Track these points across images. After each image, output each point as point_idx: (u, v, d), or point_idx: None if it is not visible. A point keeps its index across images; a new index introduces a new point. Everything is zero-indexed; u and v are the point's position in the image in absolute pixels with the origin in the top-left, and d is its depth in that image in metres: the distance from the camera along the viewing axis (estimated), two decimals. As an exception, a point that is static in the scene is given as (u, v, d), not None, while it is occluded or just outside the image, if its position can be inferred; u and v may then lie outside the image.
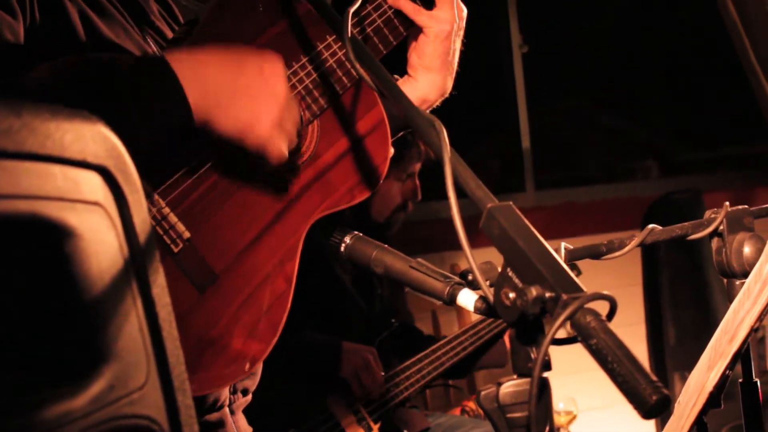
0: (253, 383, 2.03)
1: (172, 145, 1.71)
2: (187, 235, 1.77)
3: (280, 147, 1.70)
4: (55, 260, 0.84)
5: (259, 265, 1.83)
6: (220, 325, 1.78)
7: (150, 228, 0.93)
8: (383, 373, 3.62)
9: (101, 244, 0.87)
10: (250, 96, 1.66)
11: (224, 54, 1.70)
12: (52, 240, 0.83)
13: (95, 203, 0.87)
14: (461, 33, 2.04)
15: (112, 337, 0.87)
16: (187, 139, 1.69)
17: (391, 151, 1.97)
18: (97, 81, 1.59)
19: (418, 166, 3.90)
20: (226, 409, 1.93)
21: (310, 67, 1.88)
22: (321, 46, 1.90)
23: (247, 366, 1.80)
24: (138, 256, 0.91)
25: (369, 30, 1.95)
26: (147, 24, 1.96)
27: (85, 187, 0.86)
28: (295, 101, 1.76)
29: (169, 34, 2.00)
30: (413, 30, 2.00)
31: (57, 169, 0.84)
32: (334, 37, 1.90)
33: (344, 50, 1.89)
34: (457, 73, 2.06)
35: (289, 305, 1.83)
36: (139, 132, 1.58)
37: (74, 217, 0.85)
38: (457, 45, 2.04)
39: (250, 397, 2.05)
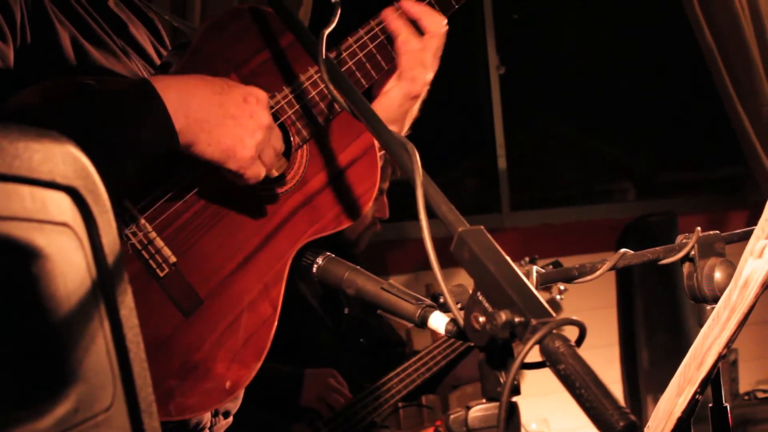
0: (234, 406, 2.02)
1: (157, 165, 1.72)
2: (173, 259, 1.77)
3: (258, 171, 1.73)
4: (21, 281, 0.83)
5: (244, 290, 1.82)
6: (204, 349, 1.78)
7: (119, 249, 0.92)
8: (348, 394, 3.60)
9: (69, 265, 0.87)
10: (234, 121, 1.68)
11: (210, 81, 1.72)
12: (19, 261, 0.83)
13: (64, 224, 0.87)
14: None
15: (78, 359, 0.86)
16: (171, 160, 1.71)
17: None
18: (84, 105, 1.60)
19: (386, 184, 3.89)
20: None
21: (300, 91, 1.89)
22: (312, 71, 1.90)
23: (230, 390, 1.80)
24: (106, 277, 0.90)
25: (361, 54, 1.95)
26: (135, 50, 1.96)
27: (54, 207, 0.86)
28: (278, 132, 1.77)
29: (156, 60, 2.01)
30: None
31: (25, 190, 0.83)
32: None
33: None
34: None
35: (273, 330, 1.83)
36: (124, 155, 1.60)
37: (42, 238, 0.84)
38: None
39: (231, 419, 2.04)
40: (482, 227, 1.20)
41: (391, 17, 1.96)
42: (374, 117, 1.41)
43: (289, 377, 3.57)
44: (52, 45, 1.74)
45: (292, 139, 1.88)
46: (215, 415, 1.95)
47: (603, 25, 6.40)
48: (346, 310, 3.92)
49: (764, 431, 4.83)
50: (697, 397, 1.47)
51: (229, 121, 1.68)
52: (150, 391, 0.94)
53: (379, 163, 1.95)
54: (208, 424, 1.92)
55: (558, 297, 4.50)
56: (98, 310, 0.89)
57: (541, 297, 1.13)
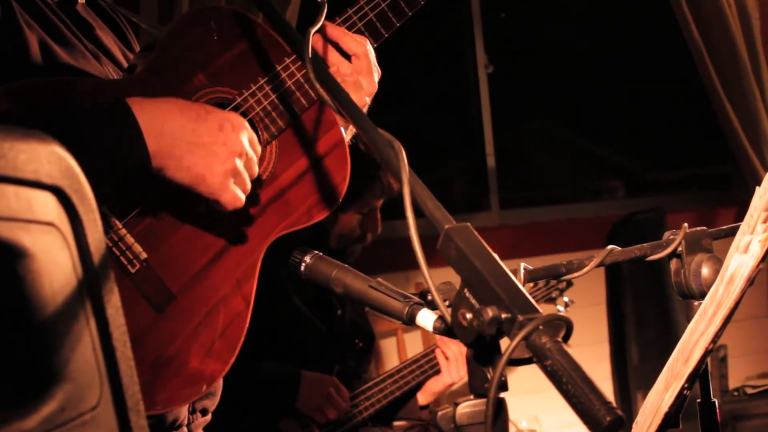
0: (212, 403, 2.03)
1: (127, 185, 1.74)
2: (144, 255, 1.77)
3: (234, 196, 1.75)
4: (7, 281, 0.83)
5: (216, 286, 1.83)
6: (177, 344, 1.79)
7: (105, 248, 0.92)
8: (348, 403, 3.63)
9: (54, 265, 0.87)
10: (205, 148, 1.70)
11: (186, 107, 1.74)
12: (4, 260, 0.83)
13: (49, 223, 0.87)
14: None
15: (64, 358, 0.86)
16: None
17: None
18: (59, 120, 1.61)
19: (380, 202, 3.89)
20: (185, 429, 1.93)
21: (268, 88, 1.90)
22: (279, 68, 1.92)
23: (204, 385, 1.81)
24: (92, 276, 0.90)
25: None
26: (104, 53, 1.97)
27: (39, 207, 0.86)
28: (252, 157, 1.78)
29: (124, 63, 2.01)
30: None
31: (10, 189, 0.83)
32: (293, 58, 1.92)
33: (303, 71, 1.92)
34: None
35: (247, 325, 1.85)
36: (96, 174, 1.60)
37: (27, 238, 0.84)
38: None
39: (209, 416, 2.05)
40: (468, 224, 1.20)
41: (318, 44, 1.95)
42: (361, 115, 1.41)
43: (285, 377, 3.58)
44: (20, 49, 1.74)
45: (260, 135, 1.90)
46: (193, 412, 1.96)
47: (591, 24, 6.41)
48: (338, 312, 3.93)
49: (754, 427, 4.84)
50: (684, 392, 1.48)
51: (200, 149, 1.70)
52: (137, 389, 0.94)
53: (349, 158, 1.96)
54: (186, 421, 1.93)
55: (561, 309, 4.53)
56: (84, 309, 0.89)
57: (534, 300, 1.13)
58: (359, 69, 1.96)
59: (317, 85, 1.50)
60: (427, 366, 3.94)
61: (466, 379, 1.90)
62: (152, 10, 4.07)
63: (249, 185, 1.77)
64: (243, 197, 1.76)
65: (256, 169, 1.80)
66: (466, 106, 5.70)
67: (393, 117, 5.43)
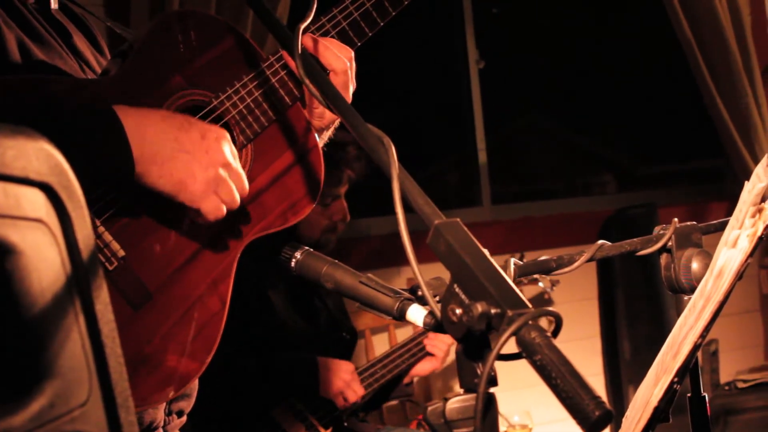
0: (188, 405, 2.03)
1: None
2: (122, 253, 1.78)
3: (216, 206, 1.75)
4: (-5, 277, 0.83)
5: (193, 285, 1.84)
6: (153, 342, 1.80)
7: (93, 244, 0.92)
8: (362, 389, 3.69)
9: (43, 261, 0.87)
10: (188, 155, 1.71)
11: (169, 116, 1.75)
12: (-8, 257, 0.83)
13: (37, 220, 0.87)
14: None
15: (53, 355, 0.86)
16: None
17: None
18: (43, 119, 1.62)
19: (343, 189, 3.91)
20: (161, 431, 1.93)
21: (244, 92, 1.92)
22: (255, 72, 1.93)
23: (181, 385, 1.81)
24: (81, 272, 0.90)
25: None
26: (79, 57, 1.97)
27: (27, 203, 0.86)
28: (239, 171, 1.78)
29: (97, 68, 2.01)
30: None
31: (-2, 186, 0.83)
32: (268, 63, 1.93)
33: (278, 76, 1.92)
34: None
35: (223, 325, 1.86)
36: (77, 177, 1.60)
37: (16, 234, 0.84)
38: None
39: (185, 418, 2.05)
40: (458, 219, 1.21)
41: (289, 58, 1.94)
42: (350, 111, 1.41)
43: (303, 366, 3.66)
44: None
45: (236, 138, 1.91)
46: (169, 413, 1.96)
47: (582, 19, 6.41)
48: (320, 308, 3.96)
49: (745, 421, 4.86)
50: (674, 386, 1.48)
51: (182, 155, 1.70)
52: (126, 386, 0.94)
53: (323, 162, 1.97)
54: (161, 423, 1.93)
55: (548, 289, 4.55)
56: (73, 306, 0.89)
57: (521, 290, 1.13)
58: (336, 84, 1.96)
59: (306, 81, 1.50)
60: (415, 349, 3.99)
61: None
62: (143, 15, 4.07)
63: (237, 199, 1.77)
64: (224, 209, 1.76)
65: (246, 185, 1.80)
66: (458, 102, 5.71)
67: (384, 112, 5.43)
